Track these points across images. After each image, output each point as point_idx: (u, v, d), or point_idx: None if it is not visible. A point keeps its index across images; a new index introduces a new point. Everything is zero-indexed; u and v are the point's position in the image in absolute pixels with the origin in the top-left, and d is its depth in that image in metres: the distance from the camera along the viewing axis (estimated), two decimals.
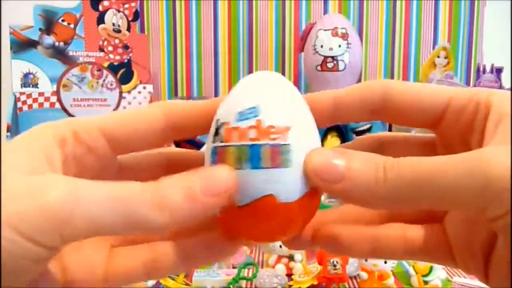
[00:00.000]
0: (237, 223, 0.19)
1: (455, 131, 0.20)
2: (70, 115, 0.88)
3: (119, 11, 0.90)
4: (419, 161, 0.16)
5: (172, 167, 0.21)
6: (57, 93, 0.87)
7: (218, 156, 0.19)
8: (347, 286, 0.64)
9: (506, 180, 0.15)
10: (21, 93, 0.86)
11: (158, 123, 0.20)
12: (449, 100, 0.19)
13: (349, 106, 0.21)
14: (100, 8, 0.89)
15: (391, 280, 0.62)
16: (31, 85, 0.87)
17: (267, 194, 0.18)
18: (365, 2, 1.01)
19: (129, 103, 0.91)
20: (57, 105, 0.88)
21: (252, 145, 0.18)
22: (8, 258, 0.15)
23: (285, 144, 0.18)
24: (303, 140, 0.18)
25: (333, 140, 0.83)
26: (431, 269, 0.64)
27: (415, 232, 0.20)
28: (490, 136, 0.17)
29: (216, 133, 0.19)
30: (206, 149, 0.20)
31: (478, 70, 1.00)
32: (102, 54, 0.89)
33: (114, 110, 0.90)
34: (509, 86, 0.98)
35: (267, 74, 0.21)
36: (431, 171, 0.16)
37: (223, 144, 0.18)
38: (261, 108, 0.18)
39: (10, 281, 0.15)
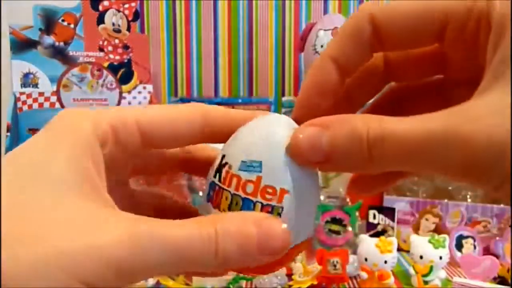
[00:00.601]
0: None
1: (460, 48, 0.18)
2: None
3: (119, 11, 0.90)
4: (404, 134, 0.15)
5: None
6: (57, 93, 0.87)
7: (214, 193, 0.19)
8: (347, 286, 0.64)
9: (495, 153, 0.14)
10: (21, 93, 0.86)
11: (197, 126, 0.20)
12: (443, 16, 0.17)
13: (349, 54, 0.19)
14: (100, 8, 0.89)
15: (391, 280, 0.62)
16: (31, 85, 0.87)
17: None
18: (365, 2, 1.01)
19: (129, 103, 0.91)
20: (57, 105, 0.87)
21: (247, 198, 0.18)
22: None
23: (277, 206, 0.18)
24: (298, 205, 0.18)
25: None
26: (431, 269, 0.64)
27: None
28: (488, 70, 0.16)
29: (219, 170, 0.19)
30: (208, 177, 0.21)
31: None
32: (102, 54, 0.89)
33: None
34: None
35: (282, 121, 0.20)
36: (414, 146, 0.15)
37: (220, 184, 0.19)
38: (263, 166, 0.18)
39: None
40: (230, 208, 0.18)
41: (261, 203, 0.18)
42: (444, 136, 0.15)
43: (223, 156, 0.19)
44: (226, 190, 0.19)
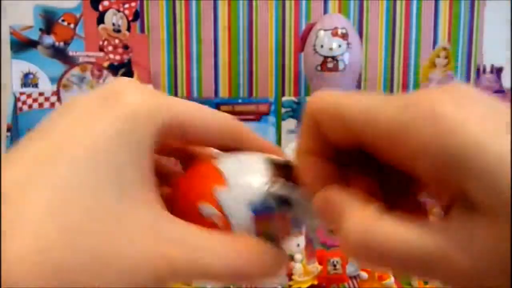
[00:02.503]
0: None
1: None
2: None
3: (119, 11, 0.90)
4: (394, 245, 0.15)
5: None
6: (57, 93, 0.87)
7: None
8: (347, 286, 0.64)
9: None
10: (21, 93, 0.86)
11: (228, 137, 0.21)
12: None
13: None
14: (100, 8, 0.89)
15: (391, 280, 0.62)
16: (31, 85, 0.87)
17: None
18: (365, 2, 1.01)
19: None
20: (57, 105, 0.87)
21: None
22: None
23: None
24: None
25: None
26: None
27: None
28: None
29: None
30: None
31: (478, 70, 1.00)
32: (102, 54, 0.89)
33: None
34: (509, 86, 0.98)
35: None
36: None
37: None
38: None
39: None
40: None
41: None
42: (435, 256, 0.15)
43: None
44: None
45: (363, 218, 0.16)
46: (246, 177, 0.19)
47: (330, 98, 0.18)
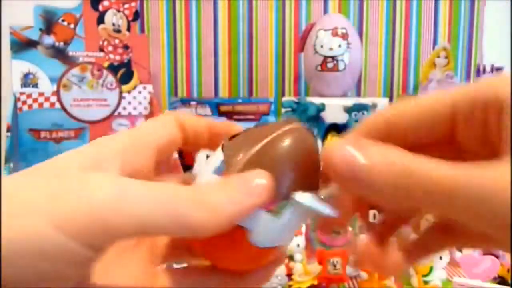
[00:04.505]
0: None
1: (472, 137, 0.18)
2: (70, 115, 0.88)
3: (119, 11, 0.90)
4: (437, 172, 0.16)
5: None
6: (57, 93, 0.87)
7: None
8: (347, 286, 0.64)
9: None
10: (21, 93, 0.86)
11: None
12: (451, 110, 0.18)
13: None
14: (100, 8, 0.89)
15: (391, 280, 0.62)
16: (31, 85, 0.87)
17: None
18: (365, 2, 1.01)
19: (129, 103, 0.91)
20: (57, 105, 0.87)
21: None
22: (50, 264, 0.14)
23: None
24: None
25: (333, 140, 0.83)
26: (431, 269, 0.64)
27: None
28: (505, 144, 0.16)
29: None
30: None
31: (478, 70, 1.00)
32: (102, 54, 0.89)
33: (114, 110, 0.90)
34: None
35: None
36: (442, 185, 0.15)
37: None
38: None
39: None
40: None
41: None
42: (466, 187, 0.15)
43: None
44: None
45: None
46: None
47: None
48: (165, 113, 0.22)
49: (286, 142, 0.19)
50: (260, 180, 0.18)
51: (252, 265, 0.21)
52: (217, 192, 0.17)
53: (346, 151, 0.17)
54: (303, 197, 0.19)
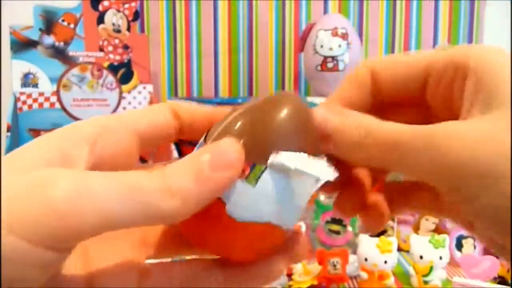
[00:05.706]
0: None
1: (439, 98, 0.20)
2: (70, 115, 0.88)
3: (119, 11, 0.90)
4: (389, 129, 0.18)
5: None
6: (57, 93, 0.87)
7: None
8: (347, 286, 0.64)
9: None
10: (21, 93, 0.86)
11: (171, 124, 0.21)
12: (426, 68, 0.20)
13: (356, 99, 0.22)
14: (100, 8, 0.89)
15: (391, 280, 0.62)
16: (31, 85, 0.87)
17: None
18: (365, 2, 1.01)
19: (129, 103, 0.91)
20: (57, 105, 0.87)
21: None
22: (13, 269, 0.13)
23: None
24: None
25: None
26: (431, 269, 0.64)
27: None
28: (465, 111, 0.18)
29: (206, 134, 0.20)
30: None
31: None
32: (102, 54, 0.89)
33: (114, 110, 0.90)
34: None
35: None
36: (396, 143, 0.17)
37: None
38: None
39: None
40: None
41: None
42: (423, 142, 0.17)
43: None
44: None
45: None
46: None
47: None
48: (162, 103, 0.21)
49: (263, 105, 0.18)
50: (227, 148, 0.16)
51: (249, 251, 0.19)
52: (183, 173, 0.15)
53: (324, 114, 0.19)
54: (280, 157, 0.16)
